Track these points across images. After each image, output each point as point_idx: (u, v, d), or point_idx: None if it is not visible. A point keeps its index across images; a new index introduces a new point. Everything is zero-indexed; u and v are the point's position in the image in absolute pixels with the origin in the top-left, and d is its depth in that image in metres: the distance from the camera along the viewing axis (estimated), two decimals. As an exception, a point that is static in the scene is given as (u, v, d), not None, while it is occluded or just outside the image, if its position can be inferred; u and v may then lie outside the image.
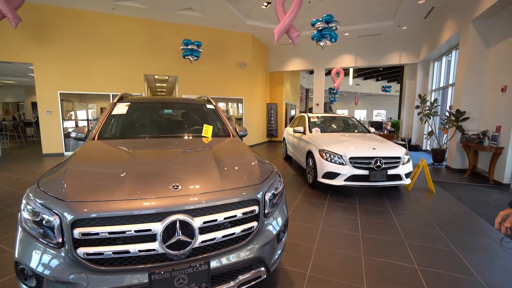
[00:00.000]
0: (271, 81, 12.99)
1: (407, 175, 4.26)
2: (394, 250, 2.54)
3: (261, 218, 1.60)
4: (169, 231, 1.30)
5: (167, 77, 10.37)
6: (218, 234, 1.42)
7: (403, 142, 9.42)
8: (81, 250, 1.24)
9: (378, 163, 4.01)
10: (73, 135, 2.58)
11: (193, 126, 2.93)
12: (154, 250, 1.29)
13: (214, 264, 1.41)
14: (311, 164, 4.71)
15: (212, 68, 9.60)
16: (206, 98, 3.48)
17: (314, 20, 5.89)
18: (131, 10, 7.70)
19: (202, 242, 1.38)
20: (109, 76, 8.18)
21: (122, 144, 2.17)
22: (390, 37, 9.88)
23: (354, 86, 20.77)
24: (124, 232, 1.26)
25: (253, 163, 1.91)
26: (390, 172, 4.05)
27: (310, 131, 5.48)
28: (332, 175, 4.15)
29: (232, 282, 1.47)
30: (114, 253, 1.26)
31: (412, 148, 9.74)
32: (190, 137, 2.62)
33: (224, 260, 1.44)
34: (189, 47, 7.88)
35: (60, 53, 7.62)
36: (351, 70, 15.42)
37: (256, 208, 1.55)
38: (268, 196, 1.68)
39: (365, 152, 4.12)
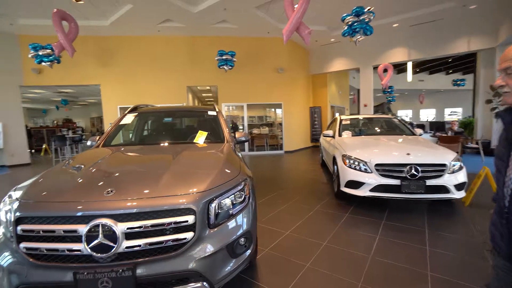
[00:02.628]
0: (313, 83, 12.44)
1: (459, 187, 3.41)
2: (408, 282, 2.02)
3: (200, 229, 1.48)
4: (93, 234, 1.32)
5: (209, 87, 11.03)
6: (145, 241, 1.38)
7: (476, 146, 7.69)
8: (22, 245, 1.37)
9: (413, 171, 3.32)
10: (88, 143, 2.92)
11: (188, 133, 3.00)
12: (79, 250, 1.34)
13: (142, 271, 1.37)
14: (335, 171, 4.25)
15: (249, 76, 9.78)
16: (213, 105, 3.53)
17: (344, 15, 5.40)
18: (174, 29, 8.52)
19: (127, 247, 1.36)
20: (157, 89, 9.20)
21: (107, 152, 2.34)
22: (453, 21, 8.28)
23: (416, 83, 18.14)
24: (54, 231, 1.35)
25: (210, 171, 1.80)
26: (430, 182, 3.31)
27: (340, 135, 4.97)
28: (355, 184, 3.63)
29: None
30: (47, 250, 1.35)
31: (491, 153, 7.84)
32: (179, 144, 2.68)
33: (153, 269, 1.39)
34: (223, 57, 8.22)
35: (118, 73, 8.99)
36: (409, 65, 13.50)
37: (190, 218, 1.45)
38: (215, 205, 1.56)
39: (395, 158, 3.48)
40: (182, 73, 9.32)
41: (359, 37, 5.19)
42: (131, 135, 3.18)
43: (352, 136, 4.88)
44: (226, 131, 2.94)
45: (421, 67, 16.70)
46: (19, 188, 1.64)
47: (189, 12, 7.21)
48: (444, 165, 3.38)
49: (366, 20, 5.07)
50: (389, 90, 14.29)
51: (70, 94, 12.46)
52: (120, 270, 1.33)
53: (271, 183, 5.47)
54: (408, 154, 3.50)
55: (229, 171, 1.85)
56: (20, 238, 1.38)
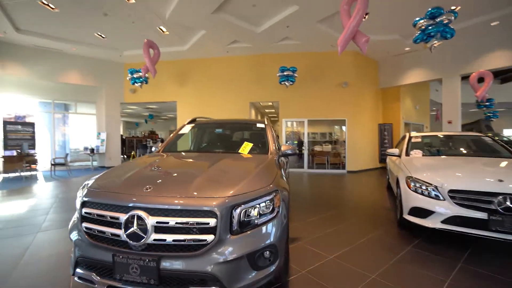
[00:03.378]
0: (383, 98, 11.31)
1: None
2: None
3: (221, 233, 1.49)
4: (130, 223, 1.50)
5: (271, 103, 11.36)
6: (169, 237, 1.48)
7: None
8: (83, 224, 1.67)
9: (508, 204, 2.56)
10: (153, 149, 3.39)
11: (236, 143, 3.12)
12: (118, 236, 1.53)
13: (165, 265, 1.47)
14: (398, 195, 3.66)
15: (311, 91, 9.65)
16: (263, 119, 3.62)
17: (416, 19, 4.82)
18: (240, 49, 9.28)
19: (155, 240, 1.48)
20: (223, 105, 10.05)
21: (162, 156, 2.65)
22: None
23: (531, 94, 14.29)
24: (103, 216, 1.60)
25: (240, 178, 1.82)
26: (536, 221, 2.48)
27: (407, 154, 4.30)
28: (422, 212, 3.03)
29: None
30: (98, 231, 1.61)
31: None
32: (225, 153, 2.82)
33: (174, 265, 1.47)
34: (285, 73, 8.40)
35: (191, 91, 10.29)
36: (517, 72, 10.82)
37: (212, 220, 1.48)
38: (239, 212, 1.56)
39: (480, 184, 2.76)
40: (246, 90, 9.95)
41: (435, 42, 4.49)
42: (176, 143, 3.54)
43: (424, 156, 4.15)
44: (271, 143, 2.94)
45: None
46: (91, 179, 2.01)
47: (254, 32, 7.73)
48: (561, 200, 2.49)
49: (445, 22, 4.37)
50: (486, 103, 11.71)
51: (154, 110, 14.88)
52: (147, 260, 1.46)
53: (325, 202, 5.11)
54: (500, 180, 2.73)
55: (260, 181, 1.82)
56: (83, 219, 1.68)
